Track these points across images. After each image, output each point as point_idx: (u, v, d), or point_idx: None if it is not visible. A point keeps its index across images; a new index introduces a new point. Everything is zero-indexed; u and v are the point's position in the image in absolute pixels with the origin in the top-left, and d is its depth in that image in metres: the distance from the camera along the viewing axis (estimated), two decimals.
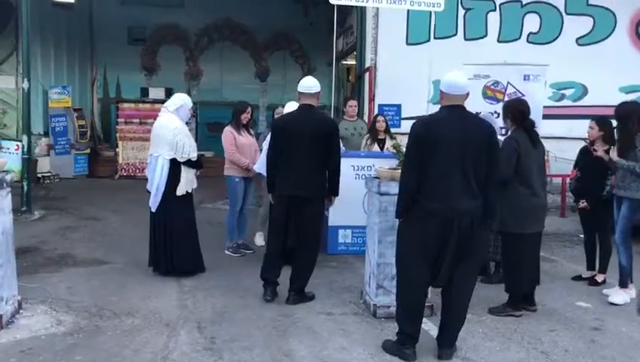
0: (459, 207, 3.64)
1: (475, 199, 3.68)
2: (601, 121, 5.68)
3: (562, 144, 9.38)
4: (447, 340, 3.87)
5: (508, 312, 4.76)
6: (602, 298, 5.34)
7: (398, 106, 10.17)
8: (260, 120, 14.42)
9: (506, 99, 6.76)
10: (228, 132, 6.64)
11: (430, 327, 4.28)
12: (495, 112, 6.34)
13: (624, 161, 5.11)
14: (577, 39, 10.77)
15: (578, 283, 5.83)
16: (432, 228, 3.67)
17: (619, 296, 5.26)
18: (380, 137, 7.18)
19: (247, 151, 6.58)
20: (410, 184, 3.75)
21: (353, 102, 8.35)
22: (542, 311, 4.93)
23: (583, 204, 5.83)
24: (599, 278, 5.75)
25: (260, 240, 6.99)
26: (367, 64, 10.45)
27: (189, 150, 5.52)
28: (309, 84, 4.95)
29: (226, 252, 6.61)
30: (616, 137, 5.40)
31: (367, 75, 10.46)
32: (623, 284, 5.31)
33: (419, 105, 9.82)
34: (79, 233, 7.66)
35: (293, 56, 14.94)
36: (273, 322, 4.51)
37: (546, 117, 10.71)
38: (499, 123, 5.66)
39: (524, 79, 6.30)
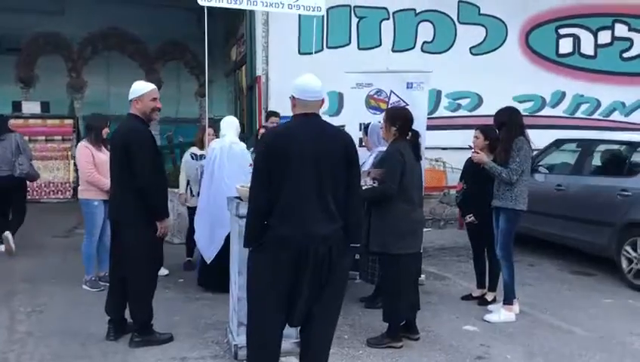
0: (315, 233, 3.08)
1: (334, 222, 3.14)
2: (486, 130, 5.45)
3: (459, 155, 9.18)
4: None
5: (387, 344, 4.27)
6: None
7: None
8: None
9: None
10: (84, 148, 5.84)
11: None
12: (380, 122, 5.92)
13: (493, 163, 4.91)
14: (471, 49, 10.75)
15: (468, 302, 5.48)
16: (285, 258, 3.08)
17: (497, 314, 4.96)
18: None
19: (107, 169, 5.78)
20: (259, 206, 3.15)
21: (275, 119, 7.31)
22: (425, 338, 4.48)
23: (470, 218, 5.51)
24: (489, 297, 5.43)
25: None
26: (259, 74, 9.89)
27: None
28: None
29: (84, 287, 5.78)
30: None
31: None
32: (508, 301, 4.99)
33: None
34: None
35: (187, 67, 14.13)
36: None
37: (442, 127, 10.66)
38: None
39: (407, 87, 5.92)
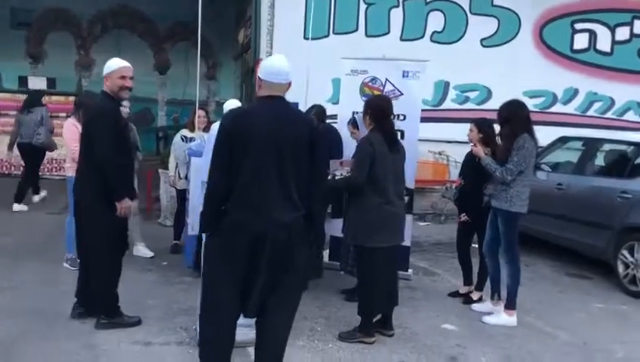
0: (274, 219, 2.95)
1: (295, 210, 3.01)
2: (480, 123, 5.26)
3: (465, 149, 8.96)
4: None
5: (358, 338, 4.14)
6: (472, 318, 4.83)
7: (296, 105, 9.46)
8: (159, 115, 13.45)
9: None
10: (71, 125, 5.75)
11: None
12: None
13: (490, 159, 4.70)
14: (482, 40, 10.46)
15: (454, 300, 5.32)
16: (241, 244, 2.96)
17: (497, 317, 4.75)
18: None
19: None
20: (217, 190, 3.04)
21: None
22: (401, 335, 4.34)
23: (463, 217, 5.30)
24: (475, 296, 5.26)
25: (145, 250, 6.26)
26: (262, 57, 9.73)
27: None
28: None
29: (65, 265, 5.71)
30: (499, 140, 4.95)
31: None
32: (510, 306, 4.76)
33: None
34: None
35: (196, 48, 14.01)
36: (71, 356, 3.70)
37: (449, 120, 10.44)
38: None
39: (403, 76, 5.72)
